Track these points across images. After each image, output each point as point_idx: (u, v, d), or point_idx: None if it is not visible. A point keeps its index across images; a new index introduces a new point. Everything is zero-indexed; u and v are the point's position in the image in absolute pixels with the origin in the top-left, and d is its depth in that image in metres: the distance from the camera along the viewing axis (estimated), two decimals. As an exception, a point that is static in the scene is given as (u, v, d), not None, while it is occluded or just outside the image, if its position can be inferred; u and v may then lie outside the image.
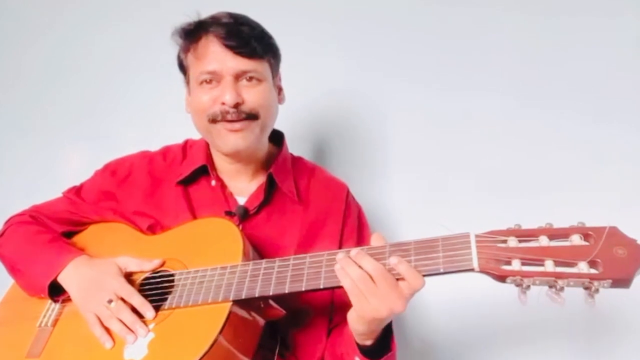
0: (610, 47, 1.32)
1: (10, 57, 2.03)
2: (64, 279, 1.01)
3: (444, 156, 1.45)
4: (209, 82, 1.04)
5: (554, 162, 1.34)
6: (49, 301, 1.06)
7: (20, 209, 1.20)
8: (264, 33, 1.08)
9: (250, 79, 1.04)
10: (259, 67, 1.04)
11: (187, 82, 1.11)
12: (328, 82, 1.57)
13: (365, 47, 1.55)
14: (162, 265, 1.02)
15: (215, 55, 1.02)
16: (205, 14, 1.09)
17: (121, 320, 0.93)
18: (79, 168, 1.33)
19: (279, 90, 1.15)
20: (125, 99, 1.83)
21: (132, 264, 1.01)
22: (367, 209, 1.23)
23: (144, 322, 0.93)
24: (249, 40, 1.03)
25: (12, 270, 1.11)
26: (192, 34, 1.06)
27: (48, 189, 1.23)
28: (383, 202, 1.47)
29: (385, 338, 0.93)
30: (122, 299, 0.95)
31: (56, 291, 1.03)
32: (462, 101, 1.44)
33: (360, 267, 0.81)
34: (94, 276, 0.99)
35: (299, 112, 1.52)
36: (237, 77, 1.03)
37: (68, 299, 1.03)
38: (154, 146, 1.25)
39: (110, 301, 0.94)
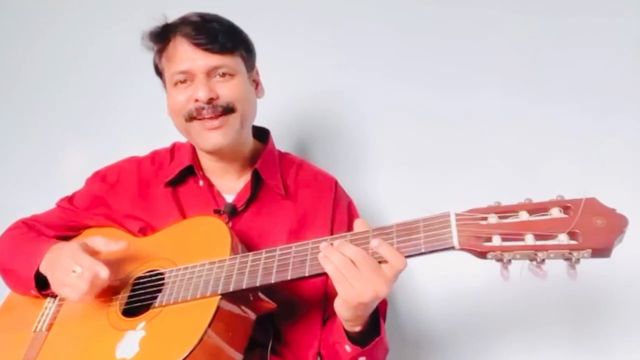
0: (611, 47, 1.32)
1: (10, 57, 2.04)
2: (44, 270, 1.02)
3: (436, 153, 1.45)
4: (183, 81, 1.05)
5: (552, 161, 1.34)
6: (44, 306, 1.07)
7: (21, 209, 1.23)
8: (233, 28, 1.09)
9: (223, 74, 1.05)
10: (230, 62, 1.05)
11: (165, 86, 1.13)
12: (317, 81, 1.58)
13: (355, 45, 1.56)
14: (148, 252, 1.04)
15: (186, 54, 1.04)
16: (200, 12, 1.09)
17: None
18: (79, 168, 1.34)
19: (256, 84, 1.15)
20: (126, 99, 1.83)
21: (97, 242, 1.01)
22: (357, 202, 1.23)
23: (135, 320, 0.94)
24: (217, 36, 1.03)
25: (3, 272, 1.12)
26: (161, 36, 1.08)
27: (48, 189, 1.26)
28: (372, 201, 1.46)
29: (374, 324, 0.93)
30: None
31: (45, 286, 1.04)
32: (455, 99, 1.44)
33: (342, 254, 0.82)
34: (56, 255, 1.00)
35: (287, 111, 1.53)
36: (209, 73, 1.04)
37: (61, 302, 1.04)
38: (155, 146, 1.26)
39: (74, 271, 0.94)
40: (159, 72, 1.13)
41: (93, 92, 1.88)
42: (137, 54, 1.77)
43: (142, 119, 1.77)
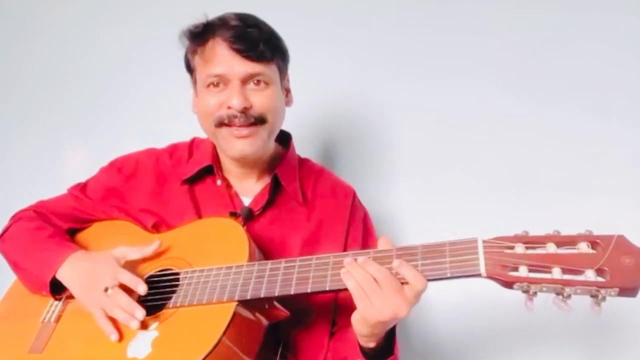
0: (611, 46, 1.32)
1: (11, 56, 2.03)
2: (63, 276, 1.01)
3: (451, 158, 1.45)
4: (216, 85, 1.04)
5: (559, 161, 1.34)
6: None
7: (22, 207, 1.20)
8: (272, 35, 1.07)
9: (258, 82, 1.03)
10: (266, 70, 1.04)
11: (194, 83, 1.11)
12: (334, 83, 1.58)
13: (371, 47, 1.55)
14: (162, 249, 1.03)
15: (223, 58, 1.02)
16: (209, 13, 1.08)
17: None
18: (80, 167, 1.34)
19: (287, 92, 1.14)
20: (127, 98, 1.83)
21: (131, 252, 1.01)
22: (373, 211, 1.23)
23: (147, 319, 0.93)
24: (257, 43, 1.02)
25: (14, 266, 1.11)
26: (200, 36, 1.06)
27: (49, 187, 1.23)
28: (390, 204, 1.47)
29: (388, 341, 0.93)
30: (120, 286, 0.94)
31: (58, 288, 1.03)
32: (469, 102, 1.44)
33: (365, 271, 0.82)
34: (91, 269, 0.99)
35: (305, 113, 1.52)
36: (245, 80, 1.02)
37: (70, 297, 1.03)
38: (156, 144, 1.24)
39: (106, 289, 0.93)
40: (190, 69, 1.11)
41: (93, 90, 1.88)
42: (139, 53, 1.79)
43: (142, 117, 1.77)
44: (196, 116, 1.11)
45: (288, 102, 1.15)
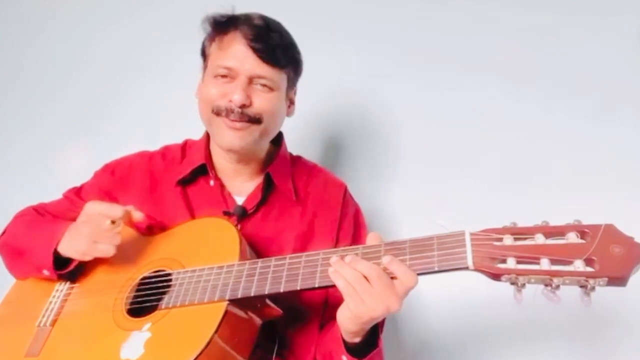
0: (611, 47, 1.32)
1: (11, 56, 2.05)
2: (63, 248, 1.00)
3: (447, 156, 1.45)
4: (224, 76, 1.05)
5: (557, 162, 1.34)
6: (49, 300, 1.06)
7: (21, 208, 1.21)
8: (291, 45, 1.09)
9: (264, 85, 1.05)
10: (275, 76, 1.05)
11: (204, 69, 1.12)
12: (333, 82, 1.58)
13: (373, 46, 1.56)
14: (155, 250, 1.05)
15: (238, 52, 1.03)
16: (213, 12, 1.09)
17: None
18: (79, 167, 1.34)
19: (290, 102, 1.16)
20: (126, 99, 1.84)
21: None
22: (372, 208, 1.23)
23: (140, 321, 0.93)
24: (275, 48, 1.03)
25: (14, 255, 1.10)
26: (222, 25, 1.07)
27: (48, 188, 1.24)
28: (389, 202, 1.47)
29: (371, 335, 0.92)
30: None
31: (63, 266, 1.03)
32: (466, 100, 1.44)
33: (354, 269, 0.81)
34: (77, 226, 1.00)
35: (307, 111, 1.52)
36: (251, 79, 1.04)
37: (65, 299, 1.04)
38: (154, 145, 1.25)
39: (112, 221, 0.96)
40: (204, 56, 1.13)
41: (93, 92, 1.89)
42: (138, 54, 1.80)
43: (143, 118, 1.78)
44: (197, 100, 1.12)
45: (289, 113, 1.16)
